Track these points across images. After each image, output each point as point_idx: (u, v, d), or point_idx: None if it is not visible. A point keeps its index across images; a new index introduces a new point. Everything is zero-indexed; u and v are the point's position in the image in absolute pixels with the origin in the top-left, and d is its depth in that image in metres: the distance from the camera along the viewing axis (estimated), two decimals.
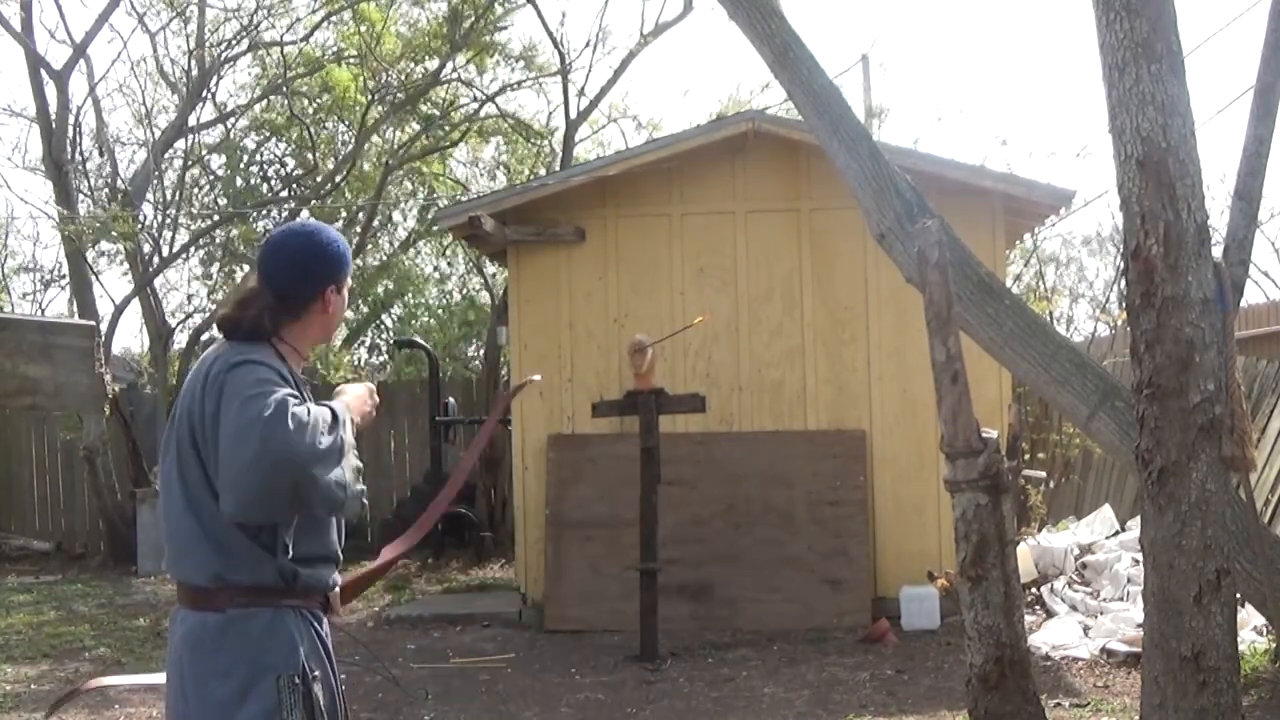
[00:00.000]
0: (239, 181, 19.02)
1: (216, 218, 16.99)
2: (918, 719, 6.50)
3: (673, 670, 7.81)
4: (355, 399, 3.15)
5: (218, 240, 17.57)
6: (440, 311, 23.70)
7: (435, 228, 14.98)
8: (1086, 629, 8.48)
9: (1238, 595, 4.57)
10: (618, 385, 9.84)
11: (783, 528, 9.66)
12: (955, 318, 4.82)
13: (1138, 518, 11.50)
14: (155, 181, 16.10)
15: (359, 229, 17.30)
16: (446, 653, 8.60)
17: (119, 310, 15.21)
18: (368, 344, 26.34)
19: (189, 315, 17.64)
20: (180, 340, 16.32)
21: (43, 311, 20.61)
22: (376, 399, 3.23)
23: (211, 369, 2.97)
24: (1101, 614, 8.72)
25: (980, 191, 9.74)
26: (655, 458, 8.47)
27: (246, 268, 16.68)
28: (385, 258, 22.26)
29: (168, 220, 15.72)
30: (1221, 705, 4.16)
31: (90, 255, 15.97)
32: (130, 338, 25.66)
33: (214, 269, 18.84)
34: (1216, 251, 4.40)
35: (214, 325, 3.40)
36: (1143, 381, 4.27)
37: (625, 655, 8.22)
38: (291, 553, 2.95)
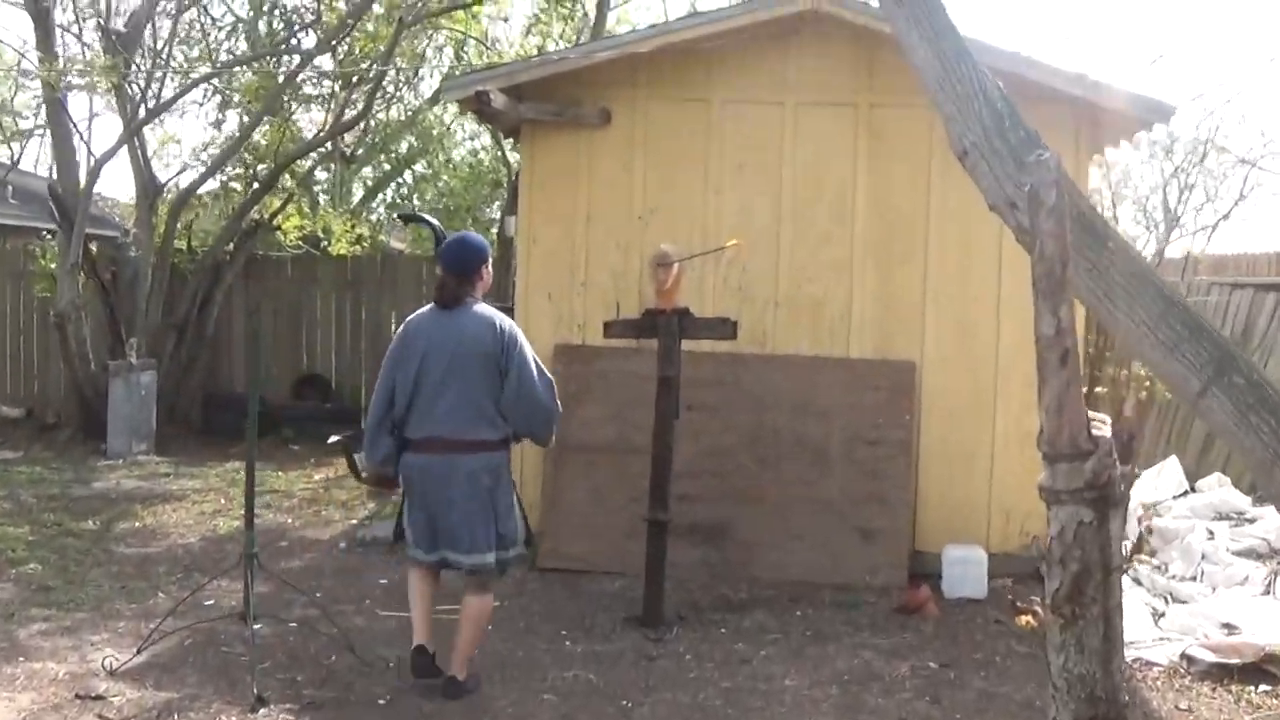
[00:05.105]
0: (261, 26, 17.82)
1: (208, 67, 15.61)
2: None
3: (679, 643, 6.70)
4: None
5: (217, 86, 16.20)
6: (464, 172, 22.51)
7: (442, 98, 13.57)
8: (1156, 616, 7.34)
9: None
10: (636, 293, 8.67)
11: (814, 465, 8.54)
12: (1070, 280, 3.62)
13: (1210, 478, 10.38)
14: (150, 23, 14.69)
15: (369, 86, 15.85)
16: None
17: (99, 164, 13.82)
18: (387, 202, 25.22)
19: (182, 169, 16.29)
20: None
21: (16, 163, 19.31)
22: None
23: (495, 320, 5.67)
24: (1173, 597, 7.61)
25: (1064, 99, 8.31)
26: (674, 389, 7.28)
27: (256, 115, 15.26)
28: (410, 113, 20.99)
29: (159, 65, 14.33)
30: None
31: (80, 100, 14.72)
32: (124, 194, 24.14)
33: (225, 115, 17.62)
34: None
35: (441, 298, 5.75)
36: None
37: (626, 615, 7.13)
38: None
